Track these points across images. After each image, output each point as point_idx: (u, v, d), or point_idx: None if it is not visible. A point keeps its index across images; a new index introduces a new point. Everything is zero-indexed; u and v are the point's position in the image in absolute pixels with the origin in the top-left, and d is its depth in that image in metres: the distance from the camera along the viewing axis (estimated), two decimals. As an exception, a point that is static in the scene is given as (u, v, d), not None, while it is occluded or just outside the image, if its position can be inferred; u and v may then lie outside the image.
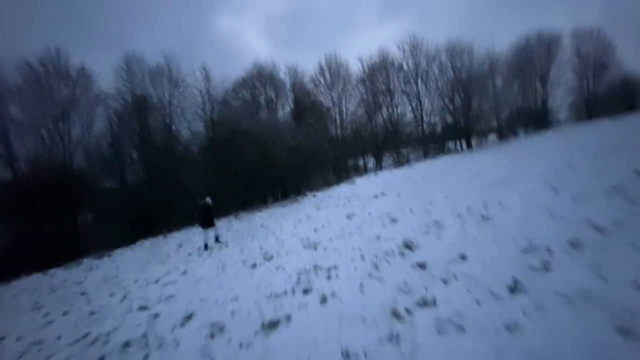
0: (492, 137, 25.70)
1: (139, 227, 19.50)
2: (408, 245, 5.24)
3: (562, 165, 9.18)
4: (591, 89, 26.69)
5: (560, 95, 27.15)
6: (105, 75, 20.25)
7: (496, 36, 36.94)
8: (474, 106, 24.42)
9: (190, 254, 10.14)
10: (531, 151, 13.87)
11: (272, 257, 6.83)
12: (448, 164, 15.97)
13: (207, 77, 20.43)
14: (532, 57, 26.73)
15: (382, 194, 12.05)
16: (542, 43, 26.88)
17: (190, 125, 20.54)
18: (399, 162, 21.66)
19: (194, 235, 14.44)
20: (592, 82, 26.52)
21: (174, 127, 21.80)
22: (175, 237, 15.25)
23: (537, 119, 26.84)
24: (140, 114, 21.85)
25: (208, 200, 10.73)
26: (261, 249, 7.85)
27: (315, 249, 6.49)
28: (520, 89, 26.66)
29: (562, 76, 26.96)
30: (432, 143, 24.98)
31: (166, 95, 21.24)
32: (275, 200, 21.18)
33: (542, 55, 26.80)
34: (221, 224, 15.83)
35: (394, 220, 7.21)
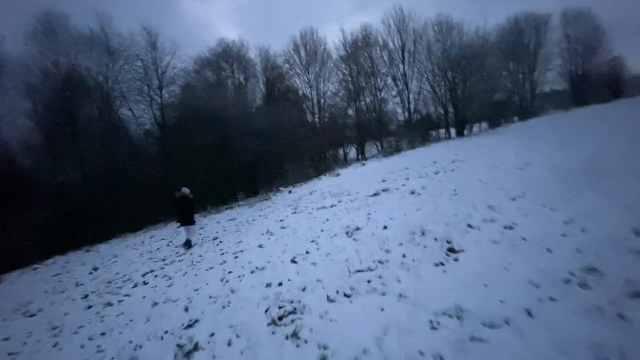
0: (483, 124, 22.76)
1: (68, 234, 14.69)
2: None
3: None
4: (580, 75, 24.43)
5: (550, 80, 24.77)
6: (12, 41, 14.93)
7: (486, 16, 33.92)
8: (465, 90, 21.30)
9: (85, 297, 5.92)
10: (558, 136, 10.64)
11: (196, 348, 2.86)
12: (455, 151, 12.50)
13: (152, 45, 15.61)
14: (522, 40, 24.01)
15: (385, 190, 8.31)
16: (530, 25, 24.21)
17: (131, 106, 15.69)
18: (388, 151, 18.09)
19: (125, 250, 10.10)
20: (581, 67, 24.24)
21: (115, 109, 16.86)
22: (102, 251, 10.82)
23: (527, 105, 24.27)
24: (73, 92, 16.74)
25: (186, 191, 8.16)
26: (187, 309, 3.82)
27: (297, 337, 2.59)
28: (509, 74, 23.88)
29: (551, 61, 24.49)
30: (419, 130, 21.60)
31: (103, 69, 16.21)
32: (247, 196, 16.97)
33: (531, 38, 24.15)
34: (164, 233, 11.54)
35: (453, 251, 3.45)
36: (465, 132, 21.75)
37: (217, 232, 8.83)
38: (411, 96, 22.16)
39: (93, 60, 16.37)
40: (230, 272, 4.73)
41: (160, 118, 16.04)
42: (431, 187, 7.22)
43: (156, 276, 6.08)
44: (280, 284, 3.79)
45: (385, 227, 4.86)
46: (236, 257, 5.50)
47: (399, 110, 22.89)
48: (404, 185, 8.43)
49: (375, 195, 8.11)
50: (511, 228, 3.66)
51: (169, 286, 5.09)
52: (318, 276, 3.66)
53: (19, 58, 15.17)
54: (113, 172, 16.65)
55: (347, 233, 5.02)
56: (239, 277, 4.44)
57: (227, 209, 13.05)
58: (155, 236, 11.34)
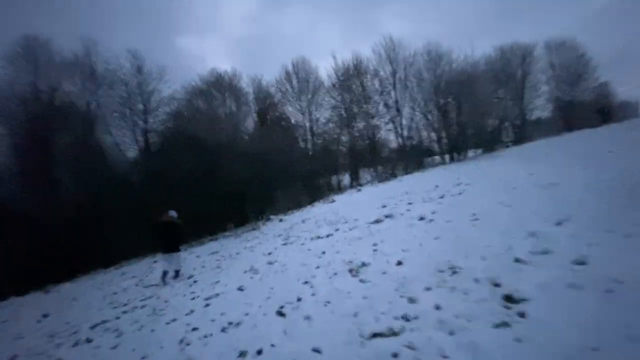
0: (476, 149, 22.32)
1: (34, 271, 12.97)
2: None
3: None
4: (567, 101, 24.63)
5: (539, 107, 24.86)
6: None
7: (473, 45, 35.12)
8: (457, 116, 21.07)
9: (13, 358, 4.50)
10: (569, 157, 9.91)
11: None
12: (456, 175, 11.64)
13: (138, 69, 14.89)
14: (509, 68, 24.36)
15: (388, 216, 7.24)
16: (516, 54, 24.73)
17: (113, 131, 14.64)
18: (384, 176, 17.24)
19: (88, 291, 8.56)
20: (568, 94, 24.50)
21: (96, 135, 15.80)
22: (63, 292, 9.28)
23: (518, 130, 24.14)
24: (51, 117, 15.72)
25: (172, 214, 7.25)
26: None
27: None
28: (499, 100, 23.91)
29: (538, 88, 24.72)
30: (413, 155, 20.98)
31: (85, 94, 15.34)
32: (235, 225, 15.58)
33: (518, 66, 24.55)
34: (136, 268, 10.07)
35: (511, 300, 2.35)
36: (460, 157, 21.20)
37: (193, 269, 7.50)
38: (403, 122, 21.76)
39: (75, 84, 15.53)
40: (194, 329, 3.46)
41: (144, 144, 14.99)
42: (442, 211, 6.18)
43: (106, 329, 4.72)
44: (260, 352, 2.57)
45: (400, 263, 3.73)
46: (207, 305, 4.23)
47: (392, 137, 22.37)
48: (408, 210, 7.40)
49: (377, 222, 7.02)
50: (583, 263, 2.59)
51: (114, 347, 3.76)
52: (314, 341, 2.47)
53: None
54: (90, 202, 15.31)
55: (350, 270, 3.86)
56: (205, 337, 3.18)
57: (210, 240, 11.69)
58: (127, 273, 9.87)
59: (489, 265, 3.02)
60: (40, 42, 14.78)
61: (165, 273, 6.80)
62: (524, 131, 24.25)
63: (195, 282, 6.16)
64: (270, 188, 15.45)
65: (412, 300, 2.71)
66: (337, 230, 7.35)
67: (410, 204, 8.40)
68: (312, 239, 7.06)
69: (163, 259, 7.03)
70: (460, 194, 7.90)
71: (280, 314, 3.23)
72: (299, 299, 3.46)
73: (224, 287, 5.01)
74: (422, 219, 5.98)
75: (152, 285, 6.99)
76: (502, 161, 12.78)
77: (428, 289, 2.86)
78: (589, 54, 23.54)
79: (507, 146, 20.67)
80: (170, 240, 6.96)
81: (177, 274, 7.05)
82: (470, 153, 22.08)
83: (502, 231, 3.96)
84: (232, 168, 14.41)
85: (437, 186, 10.25)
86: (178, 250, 7.12)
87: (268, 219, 13.02)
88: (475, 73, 22.11)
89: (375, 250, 4.48)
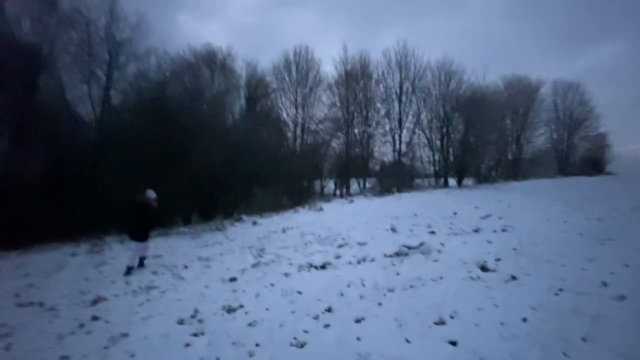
0: (470, 178, 20.69)
1: None
2: None
3: None
4: (565, 145, 23.77)
5: (537, 145, 23.80)
6: None
7: (484, 72, 33.95)
8: (464, 139, 19.36)
9: None
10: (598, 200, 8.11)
11: None
12: (472, 202, 9.59)
13: (110, 11, 11.79)
14: (513, 101, 23.20)
15: (412, 248, 4.90)
16: (522, 88, 23.66)
17: (63, 80, 11.39)
18: (377, 190, 15.06)
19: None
20: (567, 138, 23.65)
21: (42, 84, 12.42)
22: None
23: (512, 165, 22.88)
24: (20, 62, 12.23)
25: (150, 195, 5.69)
26: None
27: None
28: (501, 132, 22.58)
29: (539, 127, 23.72)
30: (408, 173, 18.99)
31: (39, 31, 12.01)
32: (203, 218, 12.67)
33: (522, 101, 23.43)
34: (44, 259, 7.02)
35: None
36: (457, 183, 19.50)
37: (112, 282, 4.77)
38: (403, 136, 19.81)
39: (29, 16, 12.16)
40: None
41: (102, 102, 11.85)
42: (513, 261, 3.93)
43: None
44: None
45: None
46: None
47: (387, 149, 20.32)
48: (442, 245, 5.08)
49: (400, 255, 4.67)
50: None
51: None
52: None
53: None
54: (21, 163, 11.94)
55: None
56: None
57: (159, 234, 8.80)
58: (24, 265, 6.77)
59: None
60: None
61: (129, 268, 5.19)
62: (519, 168, 23.09)
63: (95, 319, 3.46)
64: (248, 182, 12.75)
65: None
66: (338, 257, 4.92)
67: (432, 232, 6.15)
68: (300, 267, 4.57)
69: (133, 248, 5.56)
70: (504, 230, 5.74)
71: None
72: None
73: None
74: (485, 269, 3.68)
75: (29, 304, 4.21)
76: (518, 195, 10.89)
77: None
78: (594, 101, 22.84)
79: (506, 180, 19.19)
80: (139, 225, 5.53)
81: (141, 261, 5.50)
82: (466, 181, 20.48)
83: None
84: (208, 152, 11.64)
85: (455, 213, 8.11)
86: (146, 238, 5.59)
87: (239, 219, 10.33)
88: (485, 98, 20.62)
89: (454, 345, 2.08)
